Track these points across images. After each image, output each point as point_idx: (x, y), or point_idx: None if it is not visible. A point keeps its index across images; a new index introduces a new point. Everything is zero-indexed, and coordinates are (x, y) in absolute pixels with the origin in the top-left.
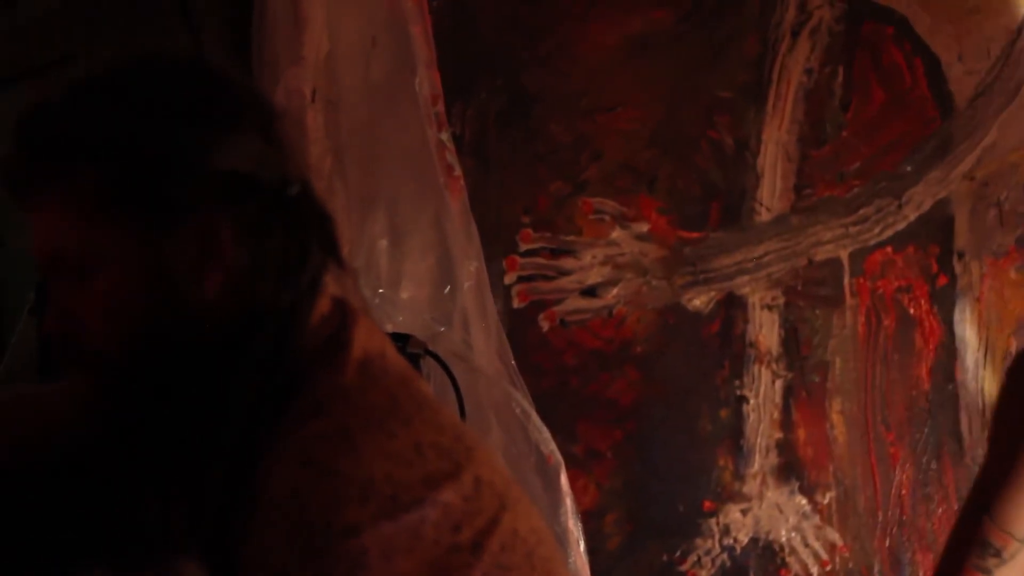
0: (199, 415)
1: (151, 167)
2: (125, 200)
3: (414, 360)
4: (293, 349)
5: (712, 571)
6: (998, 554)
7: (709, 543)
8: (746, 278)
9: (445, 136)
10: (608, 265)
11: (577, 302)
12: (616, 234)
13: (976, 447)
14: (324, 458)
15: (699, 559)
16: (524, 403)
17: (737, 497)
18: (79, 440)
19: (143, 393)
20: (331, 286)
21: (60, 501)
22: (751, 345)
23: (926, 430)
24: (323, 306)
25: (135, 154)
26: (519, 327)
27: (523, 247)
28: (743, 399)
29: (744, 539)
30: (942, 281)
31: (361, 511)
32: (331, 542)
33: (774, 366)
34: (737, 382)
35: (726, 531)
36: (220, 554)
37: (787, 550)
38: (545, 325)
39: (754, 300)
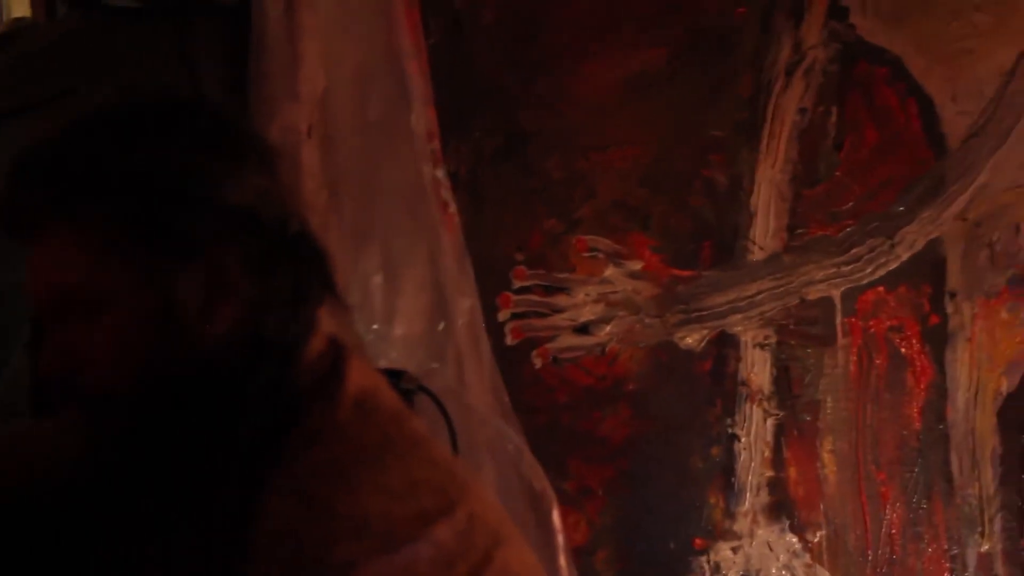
0: (201, 449)
1: (160, 203)
2: (134, 237)
3: (408, 396)
4: (291, 384)
5: None
6: None
7: None
8: (739, 316)
9: (440, 173)
10: (601, 303)
11: (570, 339)
12: (609, 272)
13: (966, 487)
14: (319, 494)
15: None
16: (517, 440)
17: (728, 535)
18: (79, 477)
19: (147, 429)
20: (326, 323)
21: (60, 538)
22: (743, 383)
23: (916, 469)
24: (318, 343)
25: (143, 190)
26: (512, 364)
27: (516, 284)
28: (734, 437)
29: None
30: (934, 321)
31: (355, 547)
32: None
33: (766, 404)
34: (729, 420)
35: (716, 569)
36: None
37: None
38: (538, 362)
39: (746, 339)
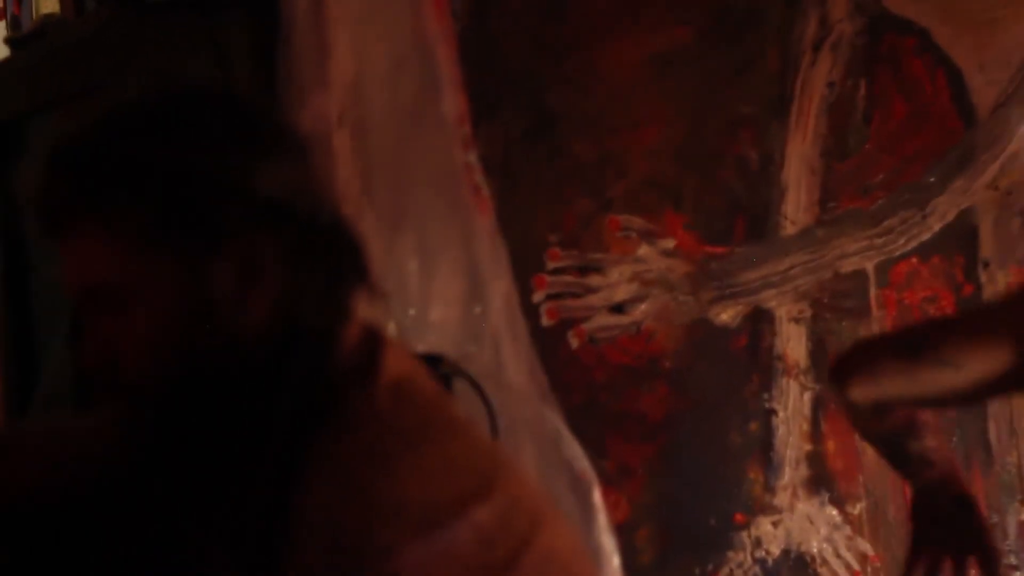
0: (239, 441)
1: (192, 196)
2: (168, 230)
3: (446, 380)
4: (326, 374)
5: None
6: None
7: (741, 556)
8: (772, 292)
9: (472, 157)
10: (635, 282)
11: (605, 319)
12: (643, 251)
13: (1005, 455)
14: (357, 480)
15: (731, 572)
16: (556, 421)
17: (768, 509)
18: (118, 468)
19: (184, 421)
20: (361, 311)
21: (98, 531)
22: (779, 358)
23: (955, 439)
24: (354, 331)
25: (177, 183)
26: (549, 345)
27: (551, 265)
28: (772, 412)
29: (776, 551)
30: (968, 291)
31: (395, 532)
32: (366, 563)
33: (802, 378)
34: (766, 395)
35: (758, 543)
36: None
37: (819, 561)
38: (574, 342)
39: (781, 313)
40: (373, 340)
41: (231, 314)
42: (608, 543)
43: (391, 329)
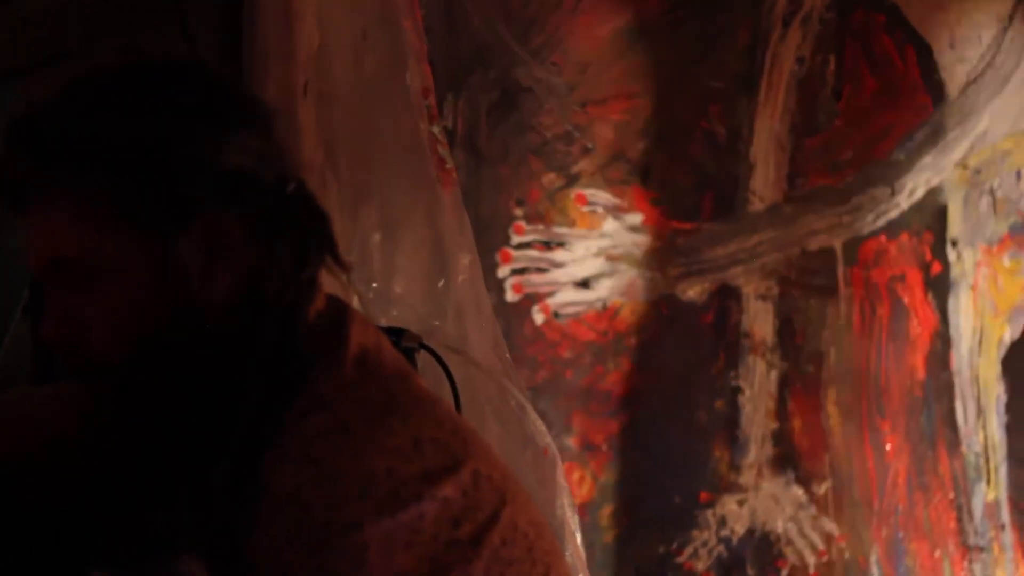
0: (205, 414)
1: (158, 168)
2: (133, 203)
3: (409, 354)
4: (293, 346)
5: (709, 562)
6: None
7: (706, 534)
8: (740, 268)
9: (437, 129)
10: (601, 257)
11: (571, 294)
12: (609, 226)
13: (971, 435)
14: (324, 455)
15: (696, 551)
16: (520, 396)
17: (733, 488)
18: (82, 441)
19: (149, 395)
20: (326, 282)
21: (63, 502)
22: (746, 335)
23: (921, 419)
24: (319, 303)
25: (141, 155)
26: (513, 320)
27: (516, 240)
28: (738, 390)
29: (740, 530)
30: (936, 269)
31: (361, 507)
32: (332, 538)
33: (769, 356)
34: (732, 373)
35: (723, 522)
36: (225, 551)
37: (784, 540)
38: (539, 318)
39: (748, 290)
40: (339, 312)
41: (198, 286)
42: (572, 520)
43: (354, 303)
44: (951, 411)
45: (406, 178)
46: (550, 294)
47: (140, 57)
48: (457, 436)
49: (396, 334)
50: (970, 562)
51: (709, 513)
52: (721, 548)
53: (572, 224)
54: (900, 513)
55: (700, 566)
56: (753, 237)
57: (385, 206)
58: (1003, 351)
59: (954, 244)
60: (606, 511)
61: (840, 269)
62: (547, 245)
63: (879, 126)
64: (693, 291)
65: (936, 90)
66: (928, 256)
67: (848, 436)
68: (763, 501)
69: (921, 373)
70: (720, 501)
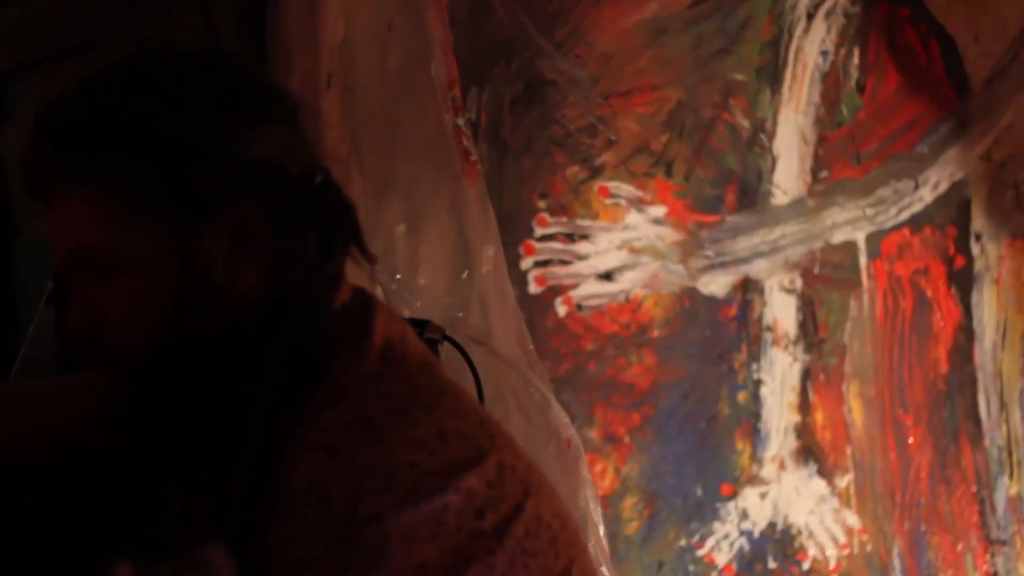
0: (226, 406)
1: (183, 159)
2: (157, 194)
3: (432, 346)
4: (317, 337)
5: (730, 555)
6: None
7: (727, 527)
8: (763, 261)
9: (461, 121)
10: (624, 249)
11: (594, 287)
12: (632, 218)
13: (995, 429)
14: (347, 448)
15: (717, 543)
16: (543, 388)
17: (755, 481)
18: (102, 432)
19: (171, 386)
20: (352, 273)
21: (83, 494)
22: (768, 328)
23: (944, 412)
24: (344, 294)
25: (166, 146)
26: (536, 312)
27: (539, 232)
28: (760, 382)
29: (762, 523)
30: (959, 263)
31: (383, 500)
32: (354, 530)
33: (791, 349)
34: (755, 365)
35: (744, 515)
36: (246, 542)
37: (805, 533)
38: (562, 310)
39: (771, 283)
40: (365, 303)
41: (221, 279)
42: (595, 512)
43: (378, 294)
44: (974, 405)
45: (431, 170)
46: (573, 286)
47: (164, 48)
48: (481, 428)
49: (420, 325)
50: (992, 556)
51: (731, 505)
52: (743, 540)
53: (595, 216)
54: (922, 506)
55: (721, 559)
56: (776, 230)
57: (409, 198)
58: None
59: (978, 238)
60: (628, 503)
61: (863, 262)
62: (570, 237)
63: (903, 119)
64: (716, 284)
65: (960, 83)
66: (952, 250)
67: (871, 429)
68: (785, 494)
69: (944, 366)
70: (742, 494)
